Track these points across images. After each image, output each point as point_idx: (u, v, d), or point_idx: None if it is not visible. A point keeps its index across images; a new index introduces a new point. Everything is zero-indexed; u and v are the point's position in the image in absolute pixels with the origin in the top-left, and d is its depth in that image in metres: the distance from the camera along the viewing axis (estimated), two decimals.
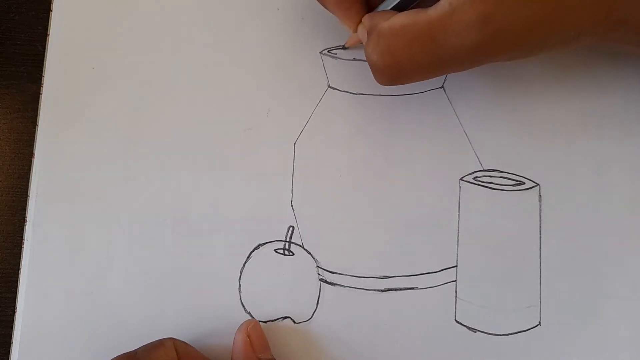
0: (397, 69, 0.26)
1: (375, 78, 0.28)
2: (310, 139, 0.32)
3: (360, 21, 0.29)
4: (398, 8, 0.28)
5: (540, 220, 0.31)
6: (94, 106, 0.32)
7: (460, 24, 0.24)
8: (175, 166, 0.32)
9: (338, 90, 0.33)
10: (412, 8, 0.27)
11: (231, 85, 0.33)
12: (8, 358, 0.30)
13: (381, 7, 0.29)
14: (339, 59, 0.32)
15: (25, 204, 0.32)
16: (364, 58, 0.32)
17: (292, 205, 0.32)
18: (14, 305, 0.31)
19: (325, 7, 0.30)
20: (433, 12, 0.25)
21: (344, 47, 0.32)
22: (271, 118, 0.33)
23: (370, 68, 0.27)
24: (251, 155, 0.32)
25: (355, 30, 0.30)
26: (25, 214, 0.32)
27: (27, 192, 0.32)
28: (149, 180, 0.32)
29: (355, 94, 0.33)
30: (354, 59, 0.32)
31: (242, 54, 0.33)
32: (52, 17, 0.33)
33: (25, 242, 0.31)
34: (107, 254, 0.31)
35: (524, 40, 0.25)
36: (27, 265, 0.31)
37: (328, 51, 0.33)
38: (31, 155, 0.32)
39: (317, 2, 0.30)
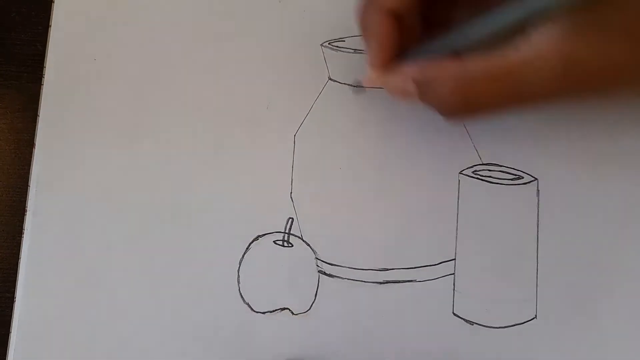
0: (472, 111, 0.25)
1: (442, 116, 0.26)
2: (311, 132, 0.32)
3: (381, 65, 0.27)
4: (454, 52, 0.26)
5: (538, 214, 0.32)
6: (94, 106, 0.32)
7: (543, 69, 0.22)
8: (175, 158, 0.32)
9: (338, 82, 0.33)
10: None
11: (231, 78, 0.33)
12: (5, 357, 0.30)
13: (429, 51, 0.26)
14: (339, 52, 0.32)
15: (25, 204, 0.32)
16: (365, 50, 0.32)
17: (291, 197, 0.32)
18: (13, 305, 0.31)
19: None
20: (513, 55, 0.23)
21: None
22: (271, 110, 0.33)
23: (439, 111, 0.26)
24: (251, 148, 0.32)
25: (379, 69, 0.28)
26: (25, 214, 0.32)
27: (26, 192, 0.32)
28: (148, 172, 0.32)
29: (356, 86, 0.33)
30: (355, 51, 0.32)
31: (242, 46, 0.33)
32: (52, 17, 0.33)
33: (25, 242, 0.31)
34: (107, 250, 0.31)
35: (611, 81, 0.23)
36: (26, 265, 0.31)
37: (329, 43, 0.33)
38: (31, 155, 0.32)
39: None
